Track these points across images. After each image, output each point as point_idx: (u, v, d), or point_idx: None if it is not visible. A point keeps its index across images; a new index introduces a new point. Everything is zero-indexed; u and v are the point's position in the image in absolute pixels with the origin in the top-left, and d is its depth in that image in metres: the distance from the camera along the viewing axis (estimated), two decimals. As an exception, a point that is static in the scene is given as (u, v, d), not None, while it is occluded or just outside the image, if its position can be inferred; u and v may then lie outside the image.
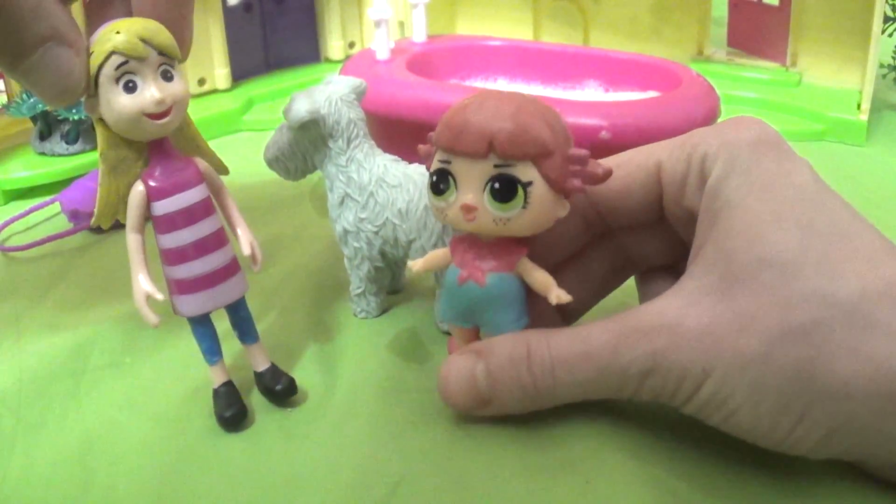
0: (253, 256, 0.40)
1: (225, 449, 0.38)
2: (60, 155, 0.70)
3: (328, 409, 0.40)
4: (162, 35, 0.35)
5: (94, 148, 0.69)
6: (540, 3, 0.95)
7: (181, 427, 0.40)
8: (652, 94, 0.66)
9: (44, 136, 0.71)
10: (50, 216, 0.64)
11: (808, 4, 0.82)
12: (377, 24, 0.67)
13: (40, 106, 0.69)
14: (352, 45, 0.95)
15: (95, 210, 0.37)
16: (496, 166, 0.35)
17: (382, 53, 0.68)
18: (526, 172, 0.35)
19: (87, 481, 0.36)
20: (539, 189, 0.35)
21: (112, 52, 0.34)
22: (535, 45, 0.77)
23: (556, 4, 0.94)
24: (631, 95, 0.68)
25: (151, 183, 0.37)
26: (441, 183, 0.36)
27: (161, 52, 0.35)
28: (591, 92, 0.70)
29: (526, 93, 0.37)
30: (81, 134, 0.71)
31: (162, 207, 0.37)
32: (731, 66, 0.87)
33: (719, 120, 0.58)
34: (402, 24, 0.88)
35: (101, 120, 0.36)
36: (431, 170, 0.37)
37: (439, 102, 0.56)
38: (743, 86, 0.83)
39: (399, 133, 0.51)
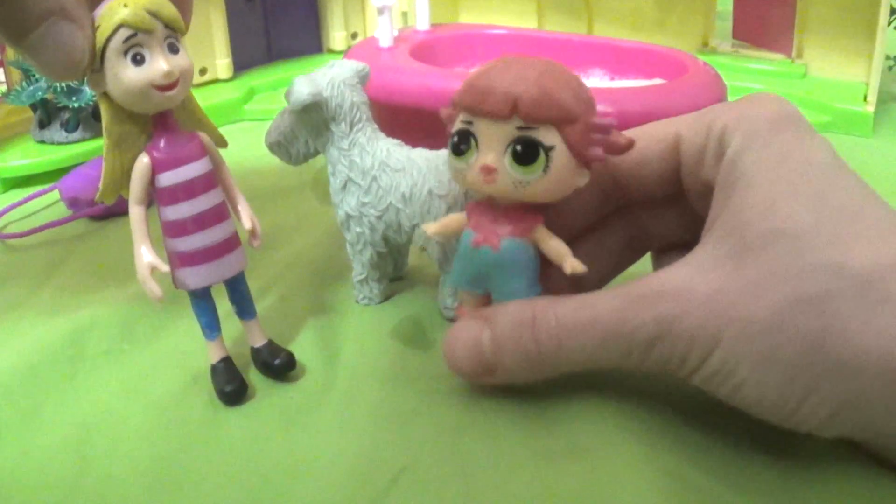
0: (253, 230, 0.40)
1: (224, 436, 0.37)
2: (60, 143, 0.70)
3: (330, 396, 0.40)
4: (167, 8, 0.35)
5: (94, 136, 0.70)
6: (544, -7, 0.94)
7: (180, 415, 0.39)
8: (657, 81, 0.65)
9: (43, 124, 0.71)
10: (49, 204, 0.64)
11: (813, -3, 0.81)
12: (380, 11, 0.67)
13: (40, 94, 0.68)
14: (354, 36, 0.94)
15: (100, 185, 0.37)
16: (519, 128, 0.35)
17: (386, 41, 0.68)
18: (549, 136, 0.35)
19: (83, 469, 0.36)
20: (560, 155, 0.35)
21: (120, 25, 0.34)
22: (539, 34, 0.77)
23: (560, -5, 0.93)
24: (636, 83, 0.67)
25: (156, 154, 0.37)
26: (462, 143, 0.36)
27: (167, 25, 0.35)
28: (596, 80, 0.70)
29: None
30: (81, 122, 0.70)
31: (166, 179, 0.37)
32: (737, 58, 0.86)
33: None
34: (404, 15, 0.87)
35: (105, 95, 0.36)
36: (453, 130, 0.37)
37: (444, 89, 0.56)
38: (748, 78, 0.82)
39: (402, 120, 0.50)
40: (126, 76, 0.34)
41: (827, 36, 0.82)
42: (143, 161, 0.37)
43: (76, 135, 0.70)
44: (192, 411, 0.39)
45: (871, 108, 0.74)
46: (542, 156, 0.35)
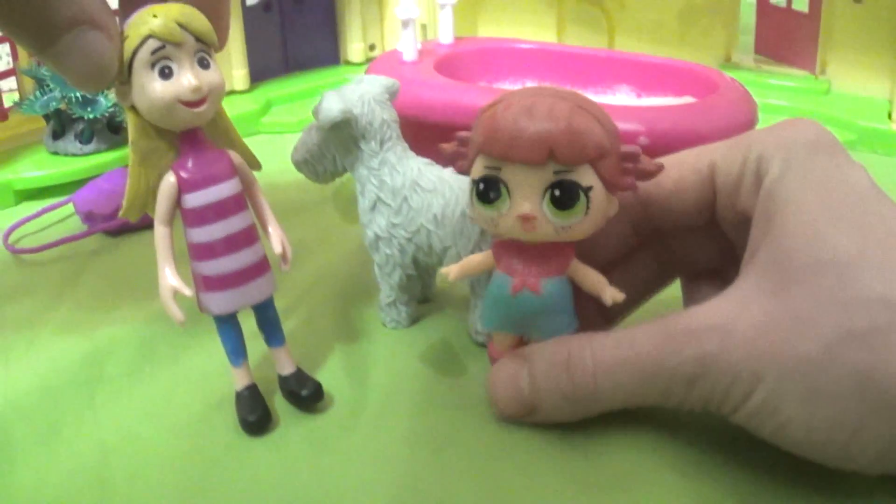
0: (284, 254, 0.39)
1: (250, 463, 0.36)
2: (74, 155, 0.69)
3: (360, 423, 0.39)
4: (199, 20, 0.34)
5: (109, 148, 0.69)
6: (564, 6, 0.93)
7: (203, 440, 0.38)
8: (687, 99, 0.64)
9: (57, 135, 0.69)
10: (63, 218, 0.63)
11: (838, 12, 0.80)
12: (404, 23, 0.65)
13: (54, 104, 0.67)
14: (372, 47, 0.94)
15: (124, 202, 0.36)
16: (556, 172, 0.33)
17: (409, 54, 0.66)
18: (586, 176, 0.33)
19: (104, 495, 0.35)
20: (597, 192, 0.34)
21: (148, 36, 0.33)
22: (565, 49, 0.75)
23: (580, 7, 0.92)
24: (664, 101, 0.66)
25: (183, 174, 0.36)
26: (491, 191, 0.34)
27: (198, 39, 0.34)
28: (623, 97, 0.69)
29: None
30: (96, 133, 0.69)
31: (193, 200, 0.36)
32: (759, 73, 0.85)
33: (757, 126, 0.57)
34: (423, 27, 0.86)
35: (133, 108, 0.35)
36: (476, 177, 0.35)
37: (470, 105, 0.54)
38: (771, 93, 0.81)
39: (427, 136, 0.49)
40: (152, 89, 0.33)
41: (851, 52, 0.81)
42: (170, 181, 0.36)
43: (91, 146, 0.69)
44: (217, 437, 0.38)
45: (895, 126, 0.73)
46: (583, 198, 0.33)
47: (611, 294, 0.35)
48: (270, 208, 0.39)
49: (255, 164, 0.39)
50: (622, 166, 0.34)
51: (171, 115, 0.34)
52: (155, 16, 0.33)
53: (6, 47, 0.74)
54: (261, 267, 0.38)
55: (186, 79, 0.33)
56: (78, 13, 0.32)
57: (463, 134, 0.36)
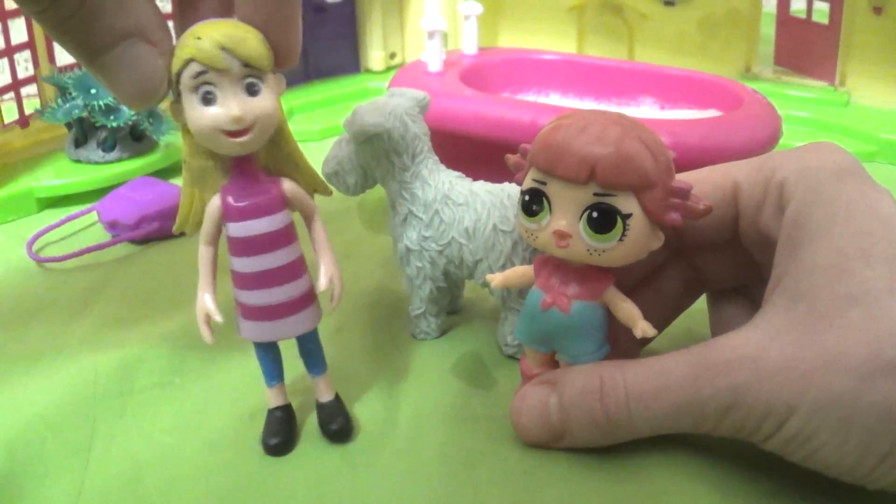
0: (332, 293, 0.37)
1: (285, 478, 0.36)
2: (96, 163, 0.69)
3: (393, 436, 0.39)
4: (248, 44, 0.31)
5: (132, 156, 0.69)
6: (584, 17, 0.93)
7: (237, 453, 0.38)
8: (711, 112, 0.64)
9: (79, 142, 0.69)
10: (86, 226, 0.63)
11: (857, 23, 0.80)
12: (430, 34, 0.65)
13: (77, 112, 0.67)
14: (393, 55, 0.94)
15: (178, 216, 0.35)
16: (596, 194, 0.33)
17: (435, 65, 0.66)
18: (626, 203, 0.33)
19: (139, 509, 0.34)
20: (638, 221, 0.34)
21: (190, 60, 0.31)
22: (588, 60, 0.75)
23: (601, 18, 0.92)
24: (687, 113, 0.66)
25: (228, 200, 0.34)
26: (534, 204, 0.35)
27: (246, 64, 0.31)
28: (647, 109, 0.69)
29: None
30: (118, 142, 0.69)
31: (233, 230, 0.35)
32: (779, 84, 0.85)
33: (781, 140, 0.57)
34: (445, 37, 0.86)
35: (186, 127, 0.33)
36: (524, 188, 0.35)
37: (498, 117, 0.54)
38: (790, 105, 0.81)
39: (455, 147, 0.49)
40: (194, 115, 0.31)
41: (870, 63, 0.81)
42: (215, 203, 0.34)
43: (113, 155, 0.69)
44: (251, 450, 0.38)
45: (915, 138, 0.73)
46: (620, 223, 0.33)
47: (642, 328, 0.35)
48: (328, 239, 0.38)
49: (324, 190, 0.38)
50: (669, 201, 0.34)
51: (215, 143, 0.32)
52: (199, 38, 0.31)
53: (25, 54, 0.73)
54: (298, 304, 0.36)
55: (226, 108, 0.31)
56: (129, 26, 0.31)
57: (525, 146, 0.36)
